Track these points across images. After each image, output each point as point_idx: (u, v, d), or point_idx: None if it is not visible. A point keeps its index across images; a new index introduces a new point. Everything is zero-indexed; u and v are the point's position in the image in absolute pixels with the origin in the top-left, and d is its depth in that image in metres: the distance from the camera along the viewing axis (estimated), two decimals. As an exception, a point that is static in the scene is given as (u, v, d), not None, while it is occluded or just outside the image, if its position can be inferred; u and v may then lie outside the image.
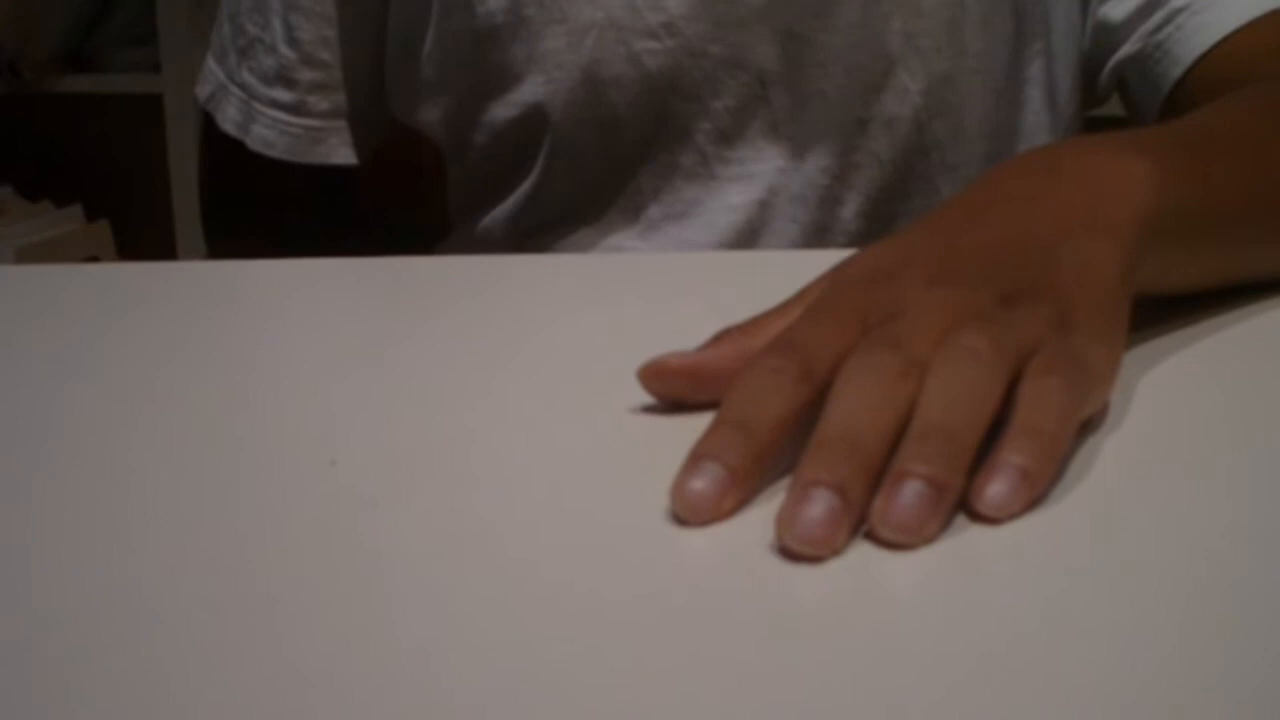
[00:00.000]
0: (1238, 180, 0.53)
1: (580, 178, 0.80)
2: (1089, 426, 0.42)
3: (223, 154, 0.88)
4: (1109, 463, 0.41)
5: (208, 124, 0.89)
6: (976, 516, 0.37)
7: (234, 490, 0.41)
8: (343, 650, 0.32)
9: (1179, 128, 0.57)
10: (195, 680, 0.31)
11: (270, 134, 0.85)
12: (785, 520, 0.35)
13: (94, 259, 2.25)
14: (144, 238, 2.28)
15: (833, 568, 0.35)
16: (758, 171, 0.78)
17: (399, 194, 0.98)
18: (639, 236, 0.80)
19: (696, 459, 0.38)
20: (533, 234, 0.82)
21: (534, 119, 0.78)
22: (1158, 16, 0.75)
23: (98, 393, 0.50)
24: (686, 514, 0.37)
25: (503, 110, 0.79)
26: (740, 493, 0.38)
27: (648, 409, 0.45)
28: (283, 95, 0.84)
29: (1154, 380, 0.47)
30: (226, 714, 0.29)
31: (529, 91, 0.78)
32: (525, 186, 0.81)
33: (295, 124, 0.85)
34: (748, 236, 0.78)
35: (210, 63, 0.88)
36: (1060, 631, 0.32)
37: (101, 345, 0.56)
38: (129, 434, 0.46)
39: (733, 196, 0.78)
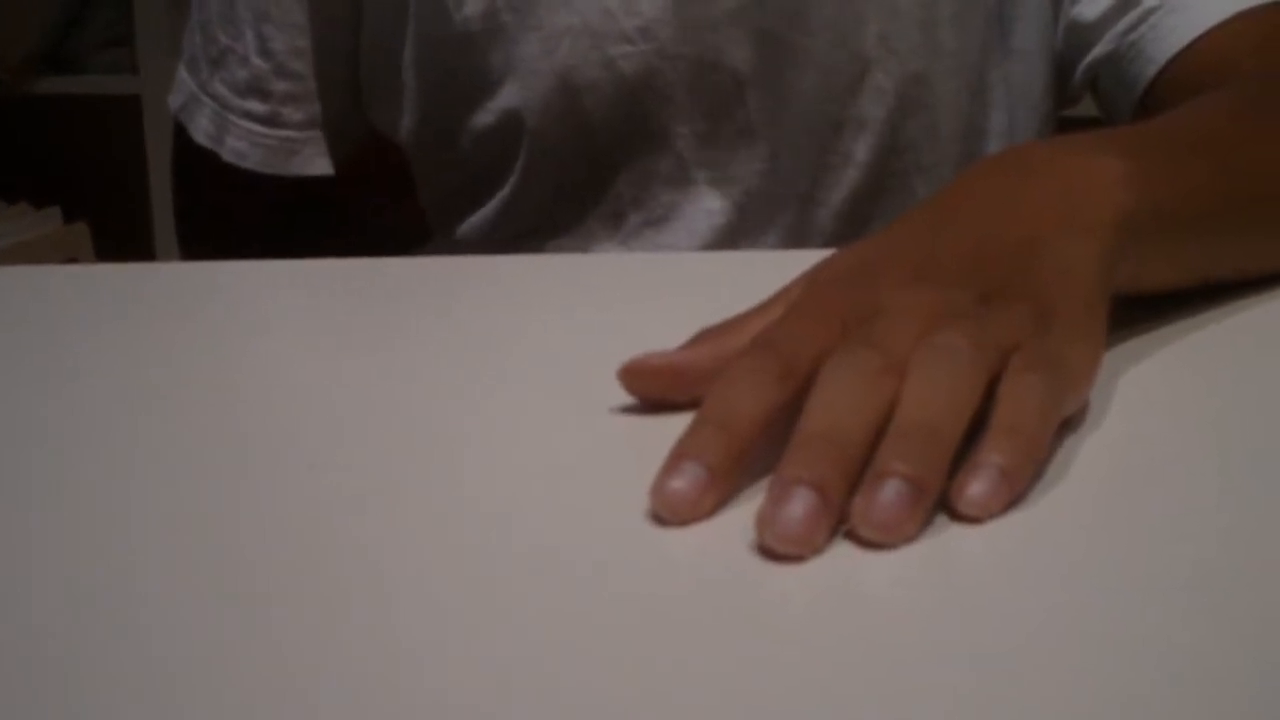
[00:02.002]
0: (1213, 177, 0.53)
1: (558, 184, 0.80)
2: (1069, 425, 0.42)
3: (196, 165, 0.88)
4: (1089, 462, 0.41)
5: (180, 135, 0.88)
6: (957, 516, 0.37)
7: (216, 492, 0.41)
8: (332, 649, 0.32)
9: (1154, 127, 0.57)
10: (186, 679, 0.30)
11: (244, 145, 0.85)
12: (765, 518, 0.35)
13: (72, 261, 2.24)
14: (122, 239, 2.27)
15: (813, 566, 0.35)
16: (736, 175, 0.78)
17: (376, 201, 0.98)
18: (618, 243, 0.80)
19: (676, 459, 0.38)
20: (512, 241, 0.82)
21: (511, 125, 0.78)
22: (1130, 16, 0.75)
23: (76, 395, 0.50)
24: (666, 513, 0.37)
25: (480, 117, 0.79)
26: (719, 492, 0.38)
27: (629, 409, 0.45)
28: (256, 107, 0.84)
29: (1134, 379, 0.47)
30: (218, 713, 0.29)
31: (506, 98, 0.78)
32: (504, 193, 0.81)
33: (269, 135, 0.84)
34: (727, 240, 0.79)
35: (182, 72, 0.87)
36: (1041, 630, 0.32)
37: (80, 347, 0.56)
38: (108, 436, 0.46)
39: (711, 200, 0.78)
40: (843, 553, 0.36)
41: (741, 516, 0.37)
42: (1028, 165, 0.49)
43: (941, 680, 0.30)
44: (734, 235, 0.79)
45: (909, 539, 0.36)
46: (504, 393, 0.49)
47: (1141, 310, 0.51)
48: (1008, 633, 0.32)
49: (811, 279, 0.46)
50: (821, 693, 0.30)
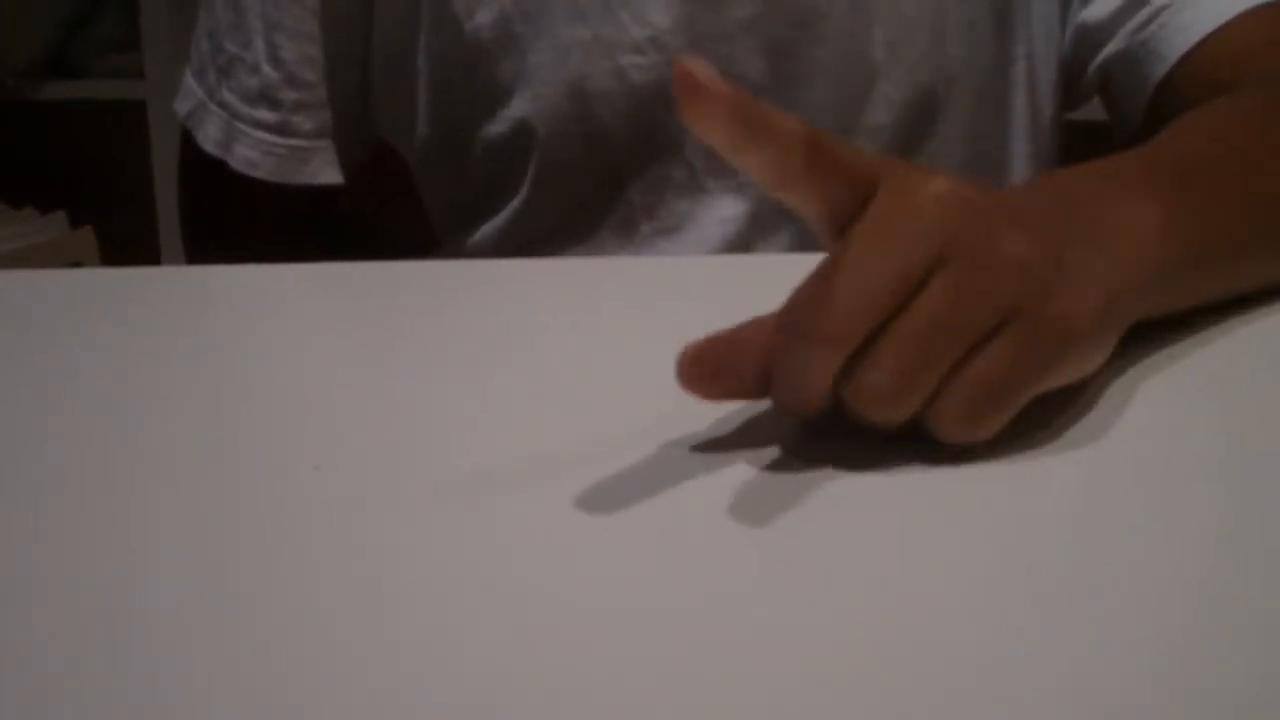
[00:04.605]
0: (1242, 211, 0.53)
1: (569, 193, 0.79)
2: (1085, 430, 0.42)
3: (203, 173, 0.87)
4: (1103, 466, 0.41)
5: (187, 142, 0.88)
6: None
7: (220, 494, 0.41)
8: (335, 650, 0.31)
9: (1184, 163, 0.55)
10: (188, 680, 0.30)
11: (254, 154, 0.84)
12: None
13: (77, 265, 2.24)
14: (128, 244, 2.27)
15: (827, 572, 0.35)
16: (747, 183, 0.78)
17: (383, 209, 0.98)
18: (630, 253, 0.80)
19: None
20: (523, 250, 0.82)
21: (522, 135, 0.78)
22: (1141, 15, 0.75)
23: (81, 398, 0.50)
24: None
25: (492, 127, 0.79)
26: None
27: (635, 414, 0.45)
28: (266, 115, 0.84)
29: (1150, 385, 0.47)
30: (223, 713, 0.29)
31: (517, 108, 0.78)
32: (515, 203, 0.81)
33: (280, 144, 0.84)
34: (739, 248, 0.78)
35: (189, 79, 0.87)
36: (1054, 633, 0.32)
37: (85, 351, 0.55)
38: (113, 439, 0.46)
39: (723, 209, 0.78)
40: (857, 555, 0.35)
41: (754, 526, 0.37)
42: (1067, 198, 0.48)
43: (957, 684, 0.30)
44: (746, 243, 0.79)
45: None
46: (510, 397, 0.49)
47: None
48: (1022, 636, 0.32)
49: None
50: (837, 695, 0.29)
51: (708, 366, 0.42)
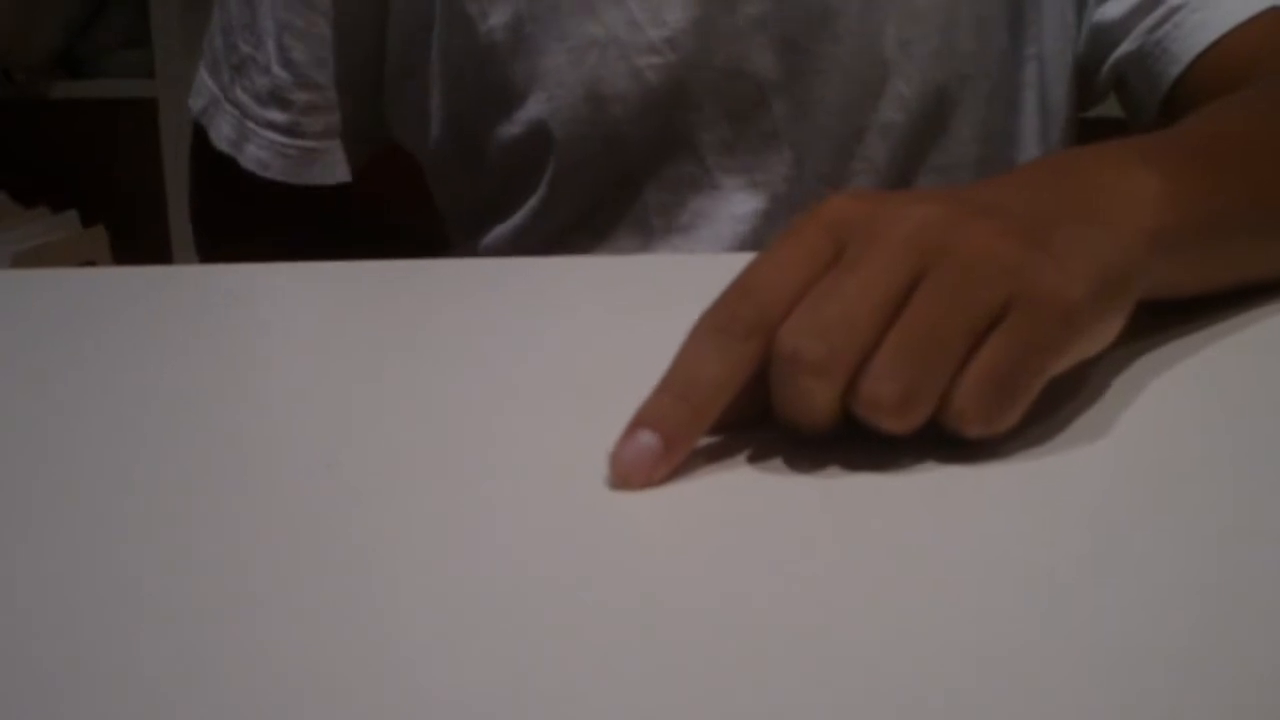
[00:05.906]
0: (1244, 192, 0.53)
1: (585, 193, 0.80)
2: (1092, 428, 0.42)
3: (215, 169, 0.87)
4: (1107, 464, 0.40)
5: (199, 138, 0.88)
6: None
7: (231, 493, 0.41)
8: (335, 651, 0.31)
9: (1185, 139, 0.56)
10: (188, 680, 0.30)
11: (265, 154, 0.84)
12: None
13: (90, 264, 2.25)
14: (140, 243, 2.28)
15: (831, 570, 0.35)
16: (761, 181, 0.78)
17: (395, 207, 0.98)
18: (645, 250, 0.80)
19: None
20: (538, 250, 0.82)
21: (537, 136, 0.78)
22: (1156, 14, 0.75)
23: (93, 397, 0.50)
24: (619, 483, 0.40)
25: (506, 128, 0.79)
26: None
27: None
28: (277, 116, 0.84)
29: (1157, 383, 0.47)
30: (218, 713, 0.29)
31: (532, 109, 0.78)
32: (531, 203, 0.81)
33: (290, 145, 0.84)
34: (753, 246, 0.78)
35: (204, 75, 0.87)
36: (1055, 632, 0.32)
37: (98, 349, 0.55)
38: (125, 438, 0.46)
39: (737, 206, 0.78)
40: (854, 553, 0.35)
41: (768, 527, 0.37)
42: (1064, 170, 0.48)
43: (955, 685, 0.29)
44: (760, 240, 0.79)
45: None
46: (520, 395, 0.49)
47: (1163, 310, 0.50)
48: (1020, 636, 0.31)
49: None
50: (833, 695, 0.29)
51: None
